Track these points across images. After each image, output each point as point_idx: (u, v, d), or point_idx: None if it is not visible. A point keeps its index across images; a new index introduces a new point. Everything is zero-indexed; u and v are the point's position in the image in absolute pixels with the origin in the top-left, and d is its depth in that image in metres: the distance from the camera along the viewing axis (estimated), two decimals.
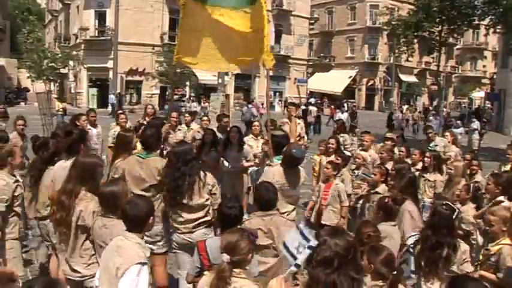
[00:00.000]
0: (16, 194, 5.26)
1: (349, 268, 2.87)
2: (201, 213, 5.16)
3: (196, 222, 5.15)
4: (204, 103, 31.43)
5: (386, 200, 5.23)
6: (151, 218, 3.77)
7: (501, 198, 5.74)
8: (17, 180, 5.41)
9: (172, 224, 5.26)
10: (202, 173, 5.23)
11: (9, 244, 5.20)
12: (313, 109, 29.52)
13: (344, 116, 27.42)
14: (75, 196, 4.39)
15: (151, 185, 5.30)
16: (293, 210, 5.87)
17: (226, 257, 3.24)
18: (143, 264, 3.47)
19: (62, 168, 5.19)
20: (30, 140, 8.50)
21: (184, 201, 5.09)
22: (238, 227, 3.97)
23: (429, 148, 9.57)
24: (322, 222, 7.04)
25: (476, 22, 28.87)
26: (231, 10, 6.96)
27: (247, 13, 6.87)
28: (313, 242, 3.08)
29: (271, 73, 48.81)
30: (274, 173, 5.75)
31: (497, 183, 5.94)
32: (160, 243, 5.35)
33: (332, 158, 8.23)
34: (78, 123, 9.34)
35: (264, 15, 6.69)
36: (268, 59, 6.68)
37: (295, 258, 3.17)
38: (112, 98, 36.36)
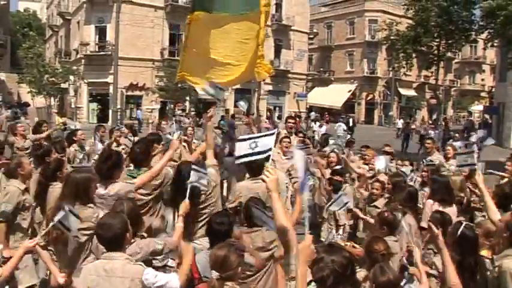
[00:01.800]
0: (27, 204, 5.39)
1: (347, 285, 2.89)
2: (205, 222, 5.15)
3: (198, 230, 5.16)
4: (189, 118, 30.40)
5: (386, 214, 5.24)
6: (128, 233, 3.68)
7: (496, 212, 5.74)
8: (26, 189, 5.56)
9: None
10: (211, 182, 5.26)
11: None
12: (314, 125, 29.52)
13: (323, 129, 27.30)
14: None
15: (143, 203, 5.31)
16: None
17: (215, 274, 3.24)
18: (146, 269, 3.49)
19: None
20: (32, 148, 8.56)
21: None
22: (226, 241, 3.96)
23: (424, 161, 9.59)
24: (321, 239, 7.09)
25: (474, 36, 29.04)
26: (235, 16, 6.86)
27: (248, 19, 6.71)
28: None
29: (270, 87, 49.18)
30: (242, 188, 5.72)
31: (495, 193, 5.97)
32: (160, 256, 5.35)
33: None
34: (75, 139, 9.44)
35: (260, 21, 6.43)
36: (261, 71, 6.40)
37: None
38: (139, 113, 36.81)
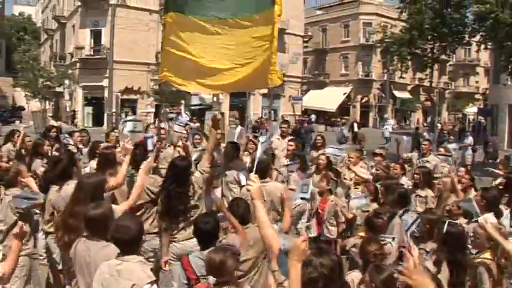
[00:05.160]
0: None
1: (335, 287, 2.95)
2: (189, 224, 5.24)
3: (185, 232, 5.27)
4: (194, 123, 29.82)
5: (369, 215, 5.32)
6: (144, 236, 3.76)
7: (489, 215, 5.82)
8: None
9: (169, 234, 5.35)
10: (196, 185, 5.40)
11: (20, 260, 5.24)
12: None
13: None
14: None
15: (143, 202, 5.39)
16: None
17: (212, 280, 3.28)
18: (153, 282, 3.48)
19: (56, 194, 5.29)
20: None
21: (180, 218, 5.24)
22: (220, 245, 3.99)
23: (420, 162, 9.64)
24: (321, 238, 7.13)
25: (467, 39, 29.22)
26: (233, 19, 6.81)
27: (252, 23, 6.69)
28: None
29: (265, 91, 49.21)
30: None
31: (483, 196, 6.05)
32: (154, 258, 5.42)
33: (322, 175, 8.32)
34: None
35: (273, 27, 6.39)
36: (274, 78, 6.43)
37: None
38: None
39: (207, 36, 7.05)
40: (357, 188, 8.12)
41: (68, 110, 44.34)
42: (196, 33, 7.11)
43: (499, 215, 5.93)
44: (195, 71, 7.25)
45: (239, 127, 10.56)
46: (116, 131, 10.68)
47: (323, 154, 9.14)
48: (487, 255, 4.55)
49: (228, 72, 7.03)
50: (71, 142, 9.39)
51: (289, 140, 9.55)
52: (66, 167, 5.66)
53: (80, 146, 9.48)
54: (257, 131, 33.92)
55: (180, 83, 7.65)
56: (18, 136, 9.14)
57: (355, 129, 32.64)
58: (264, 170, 5.90)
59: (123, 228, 3.60)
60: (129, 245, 3.59)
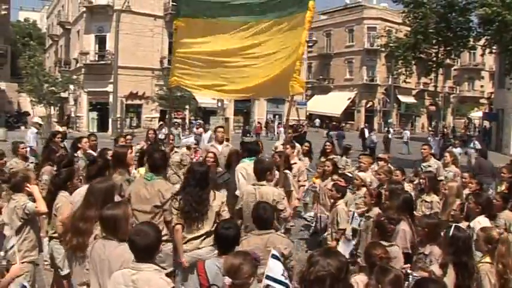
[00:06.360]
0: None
1: (340, 286, 2.93)
2: (208, 233, 5.26)
3: (203, 240, 5.28)
4: (197, 128, 28.19)
5: (382, 218, 5.29)
6: (161, 243, 3.71)
7: (481, 217, 5.84)
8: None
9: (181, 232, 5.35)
10: (212, 193, 5.41)
11: (24, 267, 5.19)
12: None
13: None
14: (96, 221, 4.37)
15: (154, 205, 5.40)
16: None
17: (227, 280, 3.27)
18: None
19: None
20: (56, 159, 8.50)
21: (198, 226, 5.26)
22: (241, 249, 3.99)
23: (422, 168, 9.59)
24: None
25: (472, 43, 29.10)
26: (261, 21, 6.73)
27: (282, 26, 6.59)
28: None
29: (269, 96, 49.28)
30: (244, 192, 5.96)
31: (477, 202, 6.07)
32: (168, 262, 5.41)
33: (328, 180, 8.28)
34: (80, 146, 9.45)
35: (302, 33, 6.29)
36: (295, 85, 6.28)
37: (286, 285, 3.26)
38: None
39: (228, 39, 6.97)
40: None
41: (72, 115, 44.52)
42: (216, 36, 7.03)
43: (493, 217, 5.98)
44: (209, 76, 7.18)
45: (209, 131, 10.57)
46: (128, 136, 10.71)
47: (329, 160, 9.13)
48: (488, 259, 4.53)
49: (247, 77, 6.95)
50: None
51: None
52: (102, 168, 5.84)
53: (89, 150, 9.49)
54: (247, 134, 34.33)
55: (191, 87, 7.59)
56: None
57: (367, 135, 31.54)
58: (260, 171, 5.95)
59: (142, 233, 3.50)
60: (146, 251, 3.48)
